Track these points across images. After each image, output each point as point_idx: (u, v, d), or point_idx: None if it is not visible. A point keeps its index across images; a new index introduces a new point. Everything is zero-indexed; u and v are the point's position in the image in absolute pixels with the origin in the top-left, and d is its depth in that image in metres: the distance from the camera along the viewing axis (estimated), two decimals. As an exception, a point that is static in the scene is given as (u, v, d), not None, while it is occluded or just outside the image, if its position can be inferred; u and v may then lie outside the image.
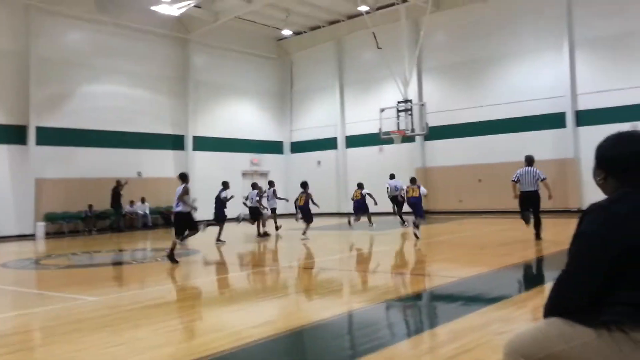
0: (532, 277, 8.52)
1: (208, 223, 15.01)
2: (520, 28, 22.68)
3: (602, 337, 2.06)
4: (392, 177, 18.92)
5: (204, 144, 25.81)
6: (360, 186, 17.73)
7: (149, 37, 23.90)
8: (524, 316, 5.33)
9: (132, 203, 22.40)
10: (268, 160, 28.96)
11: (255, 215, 16.41)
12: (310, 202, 15.41)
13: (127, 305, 6.63)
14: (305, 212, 15.21)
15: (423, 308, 6.43)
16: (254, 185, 17.13)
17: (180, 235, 10.83)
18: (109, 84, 22.58)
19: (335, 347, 4.66)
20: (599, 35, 20.92)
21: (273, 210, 17.74)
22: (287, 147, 30.15)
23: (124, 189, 21.30)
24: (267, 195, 17.45)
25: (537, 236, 12.29)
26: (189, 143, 25.18)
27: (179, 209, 10.92)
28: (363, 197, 17.24)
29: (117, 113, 22.60)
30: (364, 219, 17.44)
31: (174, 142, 24.88)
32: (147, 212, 22.88)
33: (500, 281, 7.86)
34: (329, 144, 28.35)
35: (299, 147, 29.75)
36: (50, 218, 20.57)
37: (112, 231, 21.22)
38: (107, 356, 4.48)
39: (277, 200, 17.96)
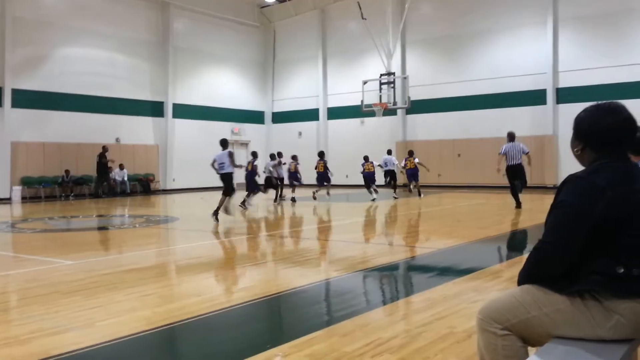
0: (506, 250, 8.67)
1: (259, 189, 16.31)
2: (505, 4, 22.61)
3: (575, 305, 2.11)
4: (389, 152, 20.07)
5: (184, 111, 25.50)
6: (367, 159, 18.54)
7: (128, -1, 23.36)
8: (497, 286, 5.43)
9: (110, 169, 22.15)
10: (249, 130, 28.76)
11: (270, 184, 17.58)
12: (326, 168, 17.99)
13: (103, 270, 6.61)
14: (323, 177, 17.96)
15: (399, 277, 6.51)
16: (272, 156, 18.48)
17: (228, 195, 12.14)
18: (87, 47, 22.06)
19: (312, 314, 4.71)
20: (583, 13, 20.98)
21: (281, 180, 18.26)
22: (268, 117, 29.94)
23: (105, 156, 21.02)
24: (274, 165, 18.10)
25: (518, 203, 13.59)
26: (168, 110, 24.84)
27: (227, 170, 12.29)
28: (374, 168, 18.45)
29: (95, 77, 22.16)
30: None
31: (153, 109, 24.53)
32: (126, 178, 22.65)
33: (476, 253, 7.99)
34: (310, 115, 28.22)
35: (280, 117, 29.57)
36: (26, 182, 20.26)
37: (91, 197, 21.01)
38: (83, 318, 4.47)
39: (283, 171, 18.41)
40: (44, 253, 8.23)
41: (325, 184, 18.13)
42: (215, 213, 11.87)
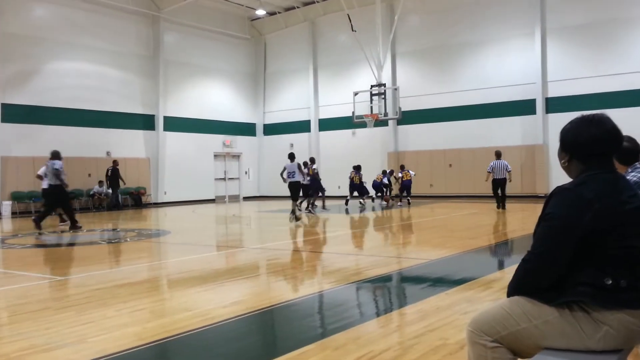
0: (498, 260, 8.70)
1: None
2: (494, 15, 22.85)
3: (563, 316, 2.12)
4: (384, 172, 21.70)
5: (176, 124, 25.48)
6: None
7: (118, 13, 23.38)
8: (490, 297, 5.45)
9: (100, 183, 22.05)
10: (241, 142, 28.78)
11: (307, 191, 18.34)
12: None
13: (94, 285, 6.57)
14: (362, 188, 19.28)
15: (392, 289, 6.52)
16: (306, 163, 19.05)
17: (295, 200, 14.47)
18: (78, 61, 22.04)
19: (304, 327, 4.70)
20: (571, 23, 21.23)
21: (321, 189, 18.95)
22: (259, 129, 29.98)
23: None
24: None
25: (503, 206, 16.59)
26: (159, 123, 24.80)
27: (296, 179, 14.62)
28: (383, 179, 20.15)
29: (85, 91, 22.12)
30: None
31: (144, 122, 24.50)
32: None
33: (468, 263, 8.01)
34: (302, 126, 28.28)
35: (271, 129, 29.61)
36: (16, 197, 20.12)
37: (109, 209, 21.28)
38: (74, 334, 4.44)
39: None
40: (35, 269, 8.17)
41: (362, 194, 19.35)
42: (293, 212, 14.31)
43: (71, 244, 11.70)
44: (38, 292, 6.31)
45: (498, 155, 16.74)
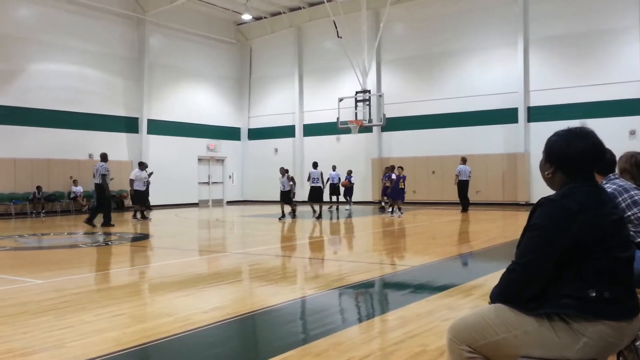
0: (479, 267, 8.76)
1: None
2: (477, 24, 23.10)
3: (543, 327, 2.14)
4: (334, 168, 22.45)
5: (159, 127, 25.33)
6: (349, 173, 20.71)
7: (103, 15, 23.22)
8: (470, 303, 5.49)
9: (75, 182, 21.72)
10: (225, 147, 28.70)
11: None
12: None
13: (74, 289, 6.50)
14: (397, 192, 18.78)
15: (374, 295, 6.54)
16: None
17: (318, 201, 17.41)
18: (61, 63, 21.83)
19: (285, 333, 4.69)
20: (553, 34, 21.53)
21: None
22: (244, 134, 29.92)
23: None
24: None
25: (466, 209, 19.04)
26: (143, 126, 24.64)
27: (318, 184, 17.83)
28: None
29: (68, 93, 21.92)
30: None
31: (128, 125, 24.32)
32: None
33: (450, 270, 8.07)
34: (286, 131, 28.28)
35: (256, 134, 29.58)
36: (-4, 199, 19.86)
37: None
38: (52, 339, 4.39)
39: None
40: (13, 272, 8.05)
41: (394, 198, 18.46)
42: (315, 212, 17.01)
43: (51, 247, 11.56)
44: (15, 295, 6.22)
45: (464, 160, 19.47)
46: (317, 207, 17.50)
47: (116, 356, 3.97)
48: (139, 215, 17.93)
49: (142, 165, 18.13)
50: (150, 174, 18.34)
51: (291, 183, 17.39)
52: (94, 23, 22.91)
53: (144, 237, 13.05)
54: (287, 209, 17.58)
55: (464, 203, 19.21)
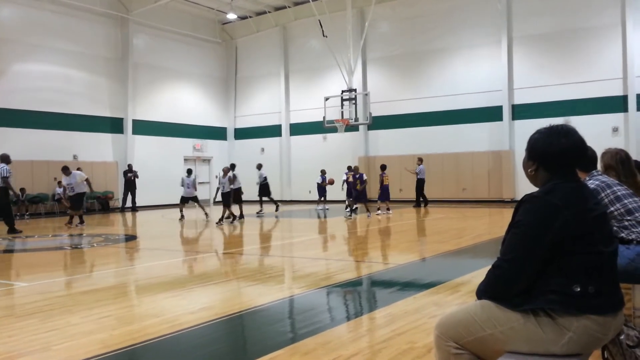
0: (465, 264, 8.81)
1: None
2: (462, 23, 23.21)
3: (528, 322, 2.16)
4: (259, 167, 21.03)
5: (145, 127, 25.16)
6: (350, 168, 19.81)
7: (86, 15, 23.01)
8: (457, 300, 5.53)
9: (59, 184, 21.50)
10: (211, 146, 28.58)
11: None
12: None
13: (59, 292, 6.45)
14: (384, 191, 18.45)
15: (362, 293, 6.56)
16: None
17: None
18: (44, 63, 21.60)
19: (273, 332, 4.69)
20: (536, 32, 21.71)
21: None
22: (230, 134, 29.81)
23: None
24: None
25: (426, 204, 20.94)
26: (128, 127, 24.45)
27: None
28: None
29: (52, 93, 21.69)
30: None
31: (113, 126, 24.13)
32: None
33: (436, 267, 8.12)
34: (273, 131, 28.23)
35: (242, 133, 29.49)
36: (-22, 201, 19.55)
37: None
38: (38, 342, 4.35)
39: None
40: (-3, 275, 7.96)
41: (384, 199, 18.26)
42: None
43: (36, 250, 11.45)
44: (0, 298, 6.15)
45: (421, 160, 21.36)
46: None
47: (103, 358, 3.95)
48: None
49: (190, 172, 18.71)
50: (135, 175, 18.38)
51: (231, 186, 16.10)
52: (77, 23, 22.69)
53: (131, 238, 12.96)
54: (236, 210, 16.37)
55: (425, 200, 21.03)
